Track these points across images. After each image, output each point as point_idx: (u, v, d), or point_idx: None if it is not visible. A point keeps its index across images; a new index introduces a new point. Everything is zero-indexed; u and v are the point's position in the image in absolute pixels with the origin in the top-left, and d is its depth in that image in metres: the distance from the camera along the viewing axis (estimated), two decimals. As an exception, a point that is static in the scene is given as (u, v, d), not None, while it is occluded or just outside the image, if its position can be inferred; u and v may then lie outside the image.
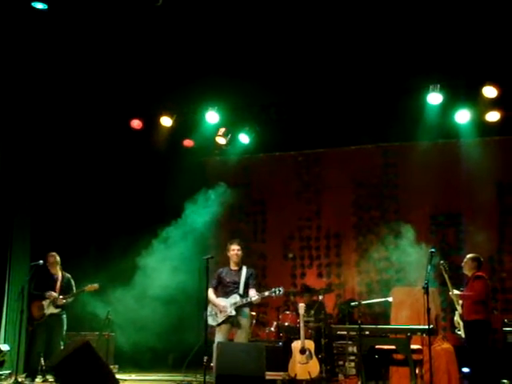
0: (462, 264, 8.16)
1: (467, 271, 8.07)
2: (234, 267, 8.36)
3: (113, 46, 9.41)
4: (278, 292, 8.03)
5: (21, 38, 9.14)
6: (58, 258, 9.61)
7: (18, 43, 9.21)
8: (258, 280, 12.03)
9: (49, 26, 8.93)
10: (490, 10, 8.40)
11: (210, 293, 8.24)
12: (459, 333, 8.02)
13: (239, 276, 8.26)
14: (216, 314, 8.09)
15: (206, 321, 8.04)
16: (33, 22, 8.80)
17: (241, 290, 8.18)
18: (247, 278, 8.26)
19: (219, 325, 8.05)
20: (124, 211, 12.11)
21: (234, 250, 8.38)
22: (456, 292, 7.93)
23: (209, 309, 8.17)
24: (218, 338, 7.97)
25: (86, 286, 9.63)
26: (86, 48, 9.41)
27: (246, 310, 8.19)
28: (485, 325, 7.80)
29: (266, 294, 8.10)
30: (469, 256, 8.15)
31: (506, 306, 10.77)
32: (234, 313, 8.04)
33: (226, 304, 8.08)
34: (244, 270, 8.35)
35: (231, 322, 8.07)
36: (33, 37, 9.15)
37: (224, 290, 8.23)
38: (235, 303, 8.07)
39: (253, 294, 8.08)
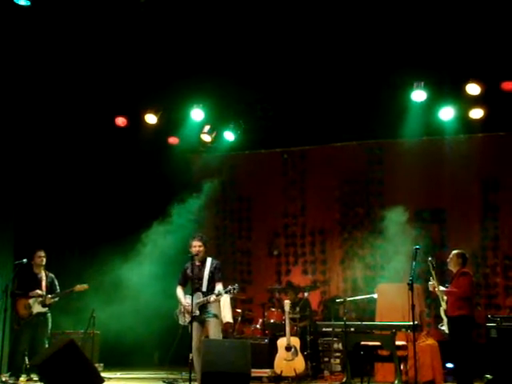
0: (448, 260, 8.19)
1: (452, 267, 8.10)
2: (197, 262, 8.05)
3: (97, 44, 9.34)
4: (233, 290, 7.74)
5: (3, 35, 9.05)
6: (44, 259, 9.56)
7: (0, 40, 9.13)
8: (243, 276, 12.17)
9: (32, 23, 8.85)
10: (474, 8, 8.44)
11: (178, 290, 8.06)
12: (442, 328, 8.06)
13: (203, 271, 8.00)
14: (184, 313, 7.94)
15: (178, 319, 7.96)
16: (15, 18, 8.72)
17: (204, 287, 7.91)
18: (211, 272, 7.98)
19: (189, 323, 7.87)
20: (109, 209, 12.06)
21: (196, 246, 8.04)
22: (442, 288, 7.97)
23: (179, 307, 8.05)
24: (193, 336, 7.79)
25: (75, 285, 9.59)
26: (69, 46, 9.34)
27: (211, 308, 7.87)
28: (469, 320, 7.84)
29: (223, 293, 7.80)
30: (454, 252, 8.18)
31: (489, 302, 10.85)
32: (197, 312, 7.79)
33: (191, 303, 7.82)
34: (208, 263, 8.05)
35: (199, 321, 7.85)
36: (15, 34, 9.07)
37: (192, 286, 7.93)
38: (198, 303, 7.82)
39: (215, 291, 7.82)
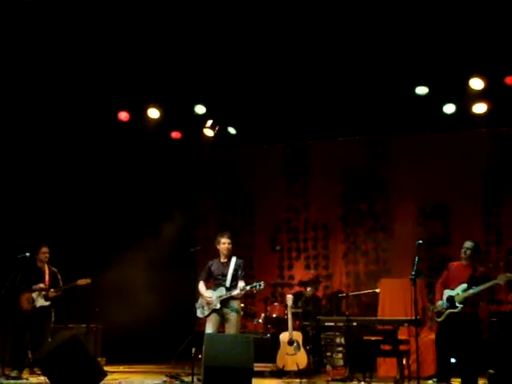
0: (463, 250, 7.87)
1: (464, 260, 7.88)
2: (223, 259, 8.22)
3: (99, 38, 9.33)
4: (258, 287, 7.88)
5: (4, 30, 9.03)
6: (48, 255, 9.56)
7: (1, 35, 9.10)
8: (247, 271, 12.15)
9: (33, 17, 8.84)
10: (478, 3, 8.42)
11: (201, 285, 8.16)
12: (437, 319, 7.96)
13: (227, 268, 8.15)
14: (203, 306, 8.06)
15: (195, 313, 8.02)
16: (17, 12, 8.71)
17: (227, 283, 8.04)
18: (235, 270, 8.12)
19: (207, 317, 8.02)
20: (111, 204, 12.04)
21: (225, 243, 8.20)
22: (471, 291, 7.67)
23: (199, 301, 8.15)
24: (207, 329, 7.93)
25: (78, 279, 9.58)
26: (71, 40, 9.32)
27: (234, 303, 8.00)
28: (475, 318, 7.81)
29: (248, 288, 7.94)
30: (471, 244, 7.84)
31: (491, 297, 10.82)
32: (218, 306, 7.90)
33: (213, 297, 7.99)
34: (233, 261, 8.21)
35: (218, 314, 7.98)
36: (17, 28, 9.05)
37: (214, 282, 8.14)
38: (220, 296, 7.95)
39: (239, 287, 7.97)
